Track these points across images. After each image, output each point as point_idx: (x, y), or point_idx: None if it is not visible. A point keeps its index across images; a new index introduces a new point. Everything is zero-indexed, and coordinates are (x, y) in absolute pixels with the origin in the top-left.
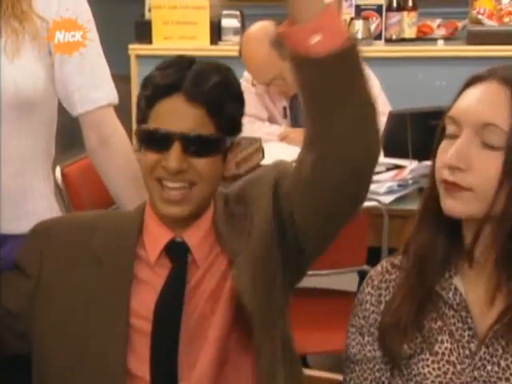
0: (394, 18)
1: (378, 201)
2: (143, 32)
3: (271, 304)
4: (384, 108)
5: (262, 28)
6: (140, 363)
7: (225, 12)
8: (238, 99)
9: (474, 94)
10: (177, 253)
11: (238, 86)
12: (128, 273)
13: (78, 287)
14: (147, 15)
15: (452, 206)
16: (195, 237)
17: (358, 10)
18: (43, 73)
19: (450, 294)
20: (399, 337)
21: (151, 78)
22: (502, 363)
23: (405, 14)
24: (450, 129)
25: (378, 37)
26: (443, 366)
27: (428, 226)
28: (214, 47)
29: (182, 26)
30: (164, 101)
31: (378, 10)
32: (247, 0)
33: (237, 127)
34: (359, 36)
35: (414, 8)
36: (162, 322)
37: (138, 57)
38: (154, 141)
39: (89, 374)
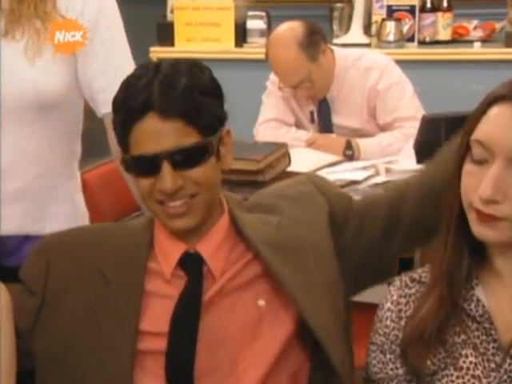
0: (428, 19)
1: None
2: (165, 34)
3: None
4: (417, 113)
5: (289, 29)
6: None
7: (250, 13)
8: (212, 93)
9: (503, 118)
10: (191, 264)
11: (208, 78)
12: (138, 289)
13: (84, 306)
14: (169, 16)
15: (485, 233)
16: (209, 247)
17: (390, 10)
18: (65, 73)
19: (472, 306)
20: (422, 351)
21: (120, 101)
22: None
23: (439, 14)
24: (478, 153)
25: (411, 39)
26: (468, 380)
27: (453, 240)
28: (238, 50)
29: (206, 28)
30: (139, 124)
31: (411, 10)
32: (273, 1)
33: (220, 121)
34: (391, 38)
35: (449, 8)
36: (178, 336)
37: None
38: (141, 167)
39: None
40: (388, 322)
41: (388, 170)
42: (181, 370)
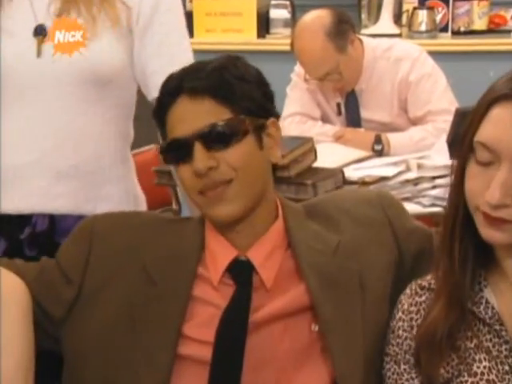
0: (463, 7)
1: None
2: None
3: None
4: (450, 106)
5: (316, 18)
6: None
7: (273, 2)
8: (251, 81)
9: (507, 119)
10: (241, 272)
11: (245, 66)
12: (184, 294)
13: (124, 306)
14: (188, 6)
15: (493, 235)
16: (261, 254)
17: None
18: (122, 52)
19: (482, 308)
20: (435, 358)
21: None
22: None
23: (475, 3)
24: (483, 155)
25: (444, 29)
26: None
27: (459, 243)
28: (261, 41)
29: (227, 18)
30: (172, 109)
31: None
32: None
33: (263, 110)
34: (423, 28)
35: None
36: (223, 349)
37: None
38: (176, 152)
39: None
40: (400, 332)
41: (420, 166)
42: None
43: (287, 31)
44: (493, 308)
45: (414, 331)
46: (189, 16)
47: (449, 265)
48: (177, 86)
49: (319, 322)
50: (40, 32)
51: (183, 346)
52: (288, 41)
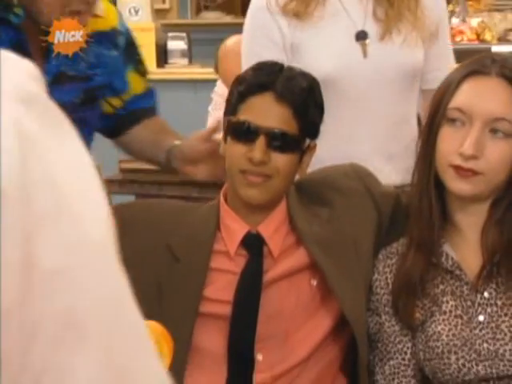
0: None
1: None
2: None
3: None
4: None
5: (238, 41)
6: (214, 343)
7: (171, 34)
8: (320, 107)
9: (480, 89)
10: (253, 244)
11: (321, 95)
12: (204, 266)
13: (151, 277)
14: None
15: (463, 188)
16: (269, 229)
17: None
18: (421, 52)
19: (443, 259)
20: (410, 303)
21: (245, 76)
22: (499, 302)
23: None
24: (457, 118)
25: None
26: (453, 320)
27: (429, 204)
28: (160, 70)
29: None
30: (255, 97)
31: None
32: (193, 24)
33: (315, 132)
34: None
35: None
36: (241, 305)
37: None
38: (241, 132)
39: None
40: (378, 290)
41: None
42: (243, 334)
43: (185, 61)
44: (452, 258)
45: (390, 287)
46: None
47: (419, 221)
48: (270, 82)
49: (322, 276)
50: (363, 37)
51: (204, 306)
52: (185, 70)
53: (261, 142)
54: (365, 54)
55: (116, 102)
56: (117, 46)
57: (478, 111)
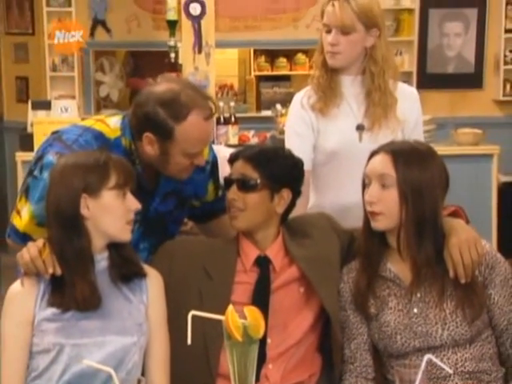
0: (223, 129)
1: None
2: (26, 142)
3: None
4: None
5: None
6: None
7: None
8: (284, 169)
9: (375, 161)
10: (262, 263)
11: (286, 152)
12: (231, 281)
13: (194, 290)
14: (29, 129)
15: (375, 224)
16: (273, 253)
17: None
18: (400, 138)
19: (387, 273)
20: (364, 302)
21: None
22: (426, 299)
23: (230, 126)
24: (366, 180)
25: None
26: (396, 313)
27: (369, 237)
28: None
29: None
30: (234, 162)
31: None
32: None
33: (280, 182)
34: None
35: (236, 122)
36: (257, 305)
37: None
38: (225, 184)
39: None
40: (344, 293)
41: None
42: None
43: None
44: (393, 271)
45: (351, 291)
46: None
47: (365, 249)
48: (238, 153)
49: (307, 285)
50: (361, 128)
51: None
52: None
53: (233, 186)
54: (360, 138)
55: (196, 202)
56: (204, 170)
57: (373, 173)
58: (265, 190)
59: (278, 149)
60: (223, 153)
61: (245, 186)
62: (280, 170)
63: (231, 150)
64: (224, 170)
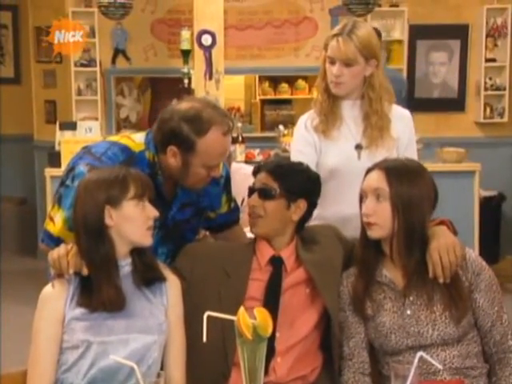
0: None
1: None
2: (55, 160)
3: None
4: None
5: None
6: None
7: None
8: (304, 183)
9: (371, 177)
10: (276, 263)
11: (308, 170)
12: (246, 278)
13: (214, 288)
14: (57, 147)
15: (370, 233)
16: (286, 254)
17: None
18: (395, 155)
19: (383, 278)
20: (361, 304)
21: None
22: (418, 302)
23: (237, 145)
24: (363, 195)
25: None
26: (391, 314)
27: (366, 245)
28: None
29: None
30: (258, 173)
31: None
32: None
33: (302, 193)
34: None
35: (243, 141)
36: (269, 301)
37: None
38: (251, 191)
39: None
40: (343, 296)
41: None
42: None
43: None
44: (388, 277)
45: (350, 295)
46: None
47: (362, 256)
48: (262, 166)
49: (312, 287)
50: (359, 147)
51: (246, 302)
52: None
53: (255, 194)
54: (359, 157)
55: (212, 214)
56: (218, 184)
57: (369, 189)
58: (282, 198)
59: (297, 164)
60: (244, 170)
61: (265, 194)
62: (296, 183)
63: (251, 168)
64: (246, 185)
